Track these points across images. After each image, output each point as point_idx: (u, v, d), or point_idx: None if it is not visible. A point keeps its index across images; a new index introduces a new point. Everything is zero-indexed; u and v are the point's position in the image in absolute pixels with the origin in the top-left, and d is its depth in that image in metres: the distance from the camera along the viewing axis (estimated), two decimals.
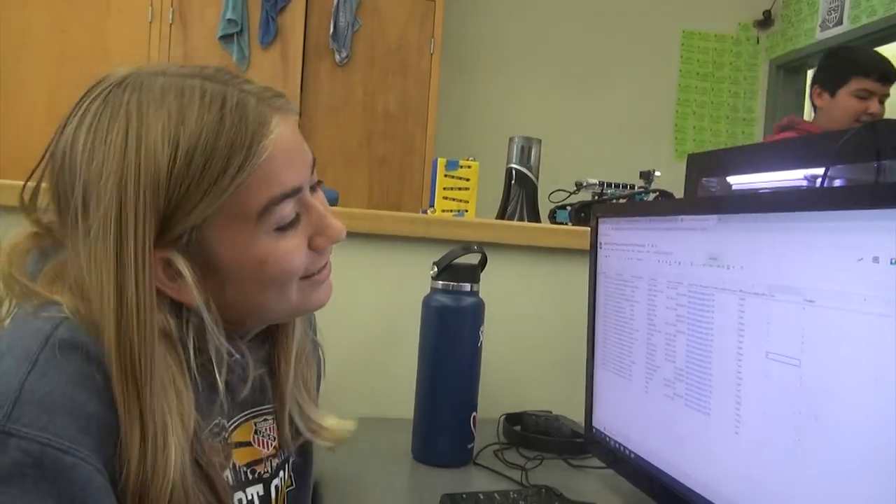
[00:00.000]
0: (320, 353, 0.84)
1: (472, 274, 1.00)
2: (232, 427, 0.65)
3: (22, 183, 0.58)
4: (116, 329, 0.51)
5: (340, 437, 0.75)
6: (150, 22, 2.85)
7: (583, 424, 0.99)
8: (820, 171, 0.72)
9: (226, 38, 2.88)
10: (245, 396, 0.65)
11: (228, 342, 0.59)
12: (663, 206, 0.82)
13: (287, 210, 0.57)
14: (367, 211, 1.25)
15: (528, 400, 1.25)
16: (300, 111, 2.91)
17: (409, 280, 1.20)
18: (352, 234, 1.21)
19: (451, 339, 0.98)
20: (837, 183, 0.73)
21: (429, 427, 0.99)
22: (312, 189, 0.62)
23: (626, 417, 0.87)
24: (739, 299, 0.65)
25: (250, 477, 0.66)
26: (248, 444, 0.67)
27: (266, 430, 0.69)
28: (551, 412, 1.18)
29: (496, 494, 0.83)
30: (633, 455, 0.84)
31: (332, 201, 1.28)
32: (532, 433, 1.10)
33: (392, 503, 0.85)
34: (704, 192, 0.95)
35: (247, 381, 0.63)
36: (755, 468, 0.62)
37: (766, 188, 0.83)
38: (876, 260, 0.50)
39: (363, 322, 1.24)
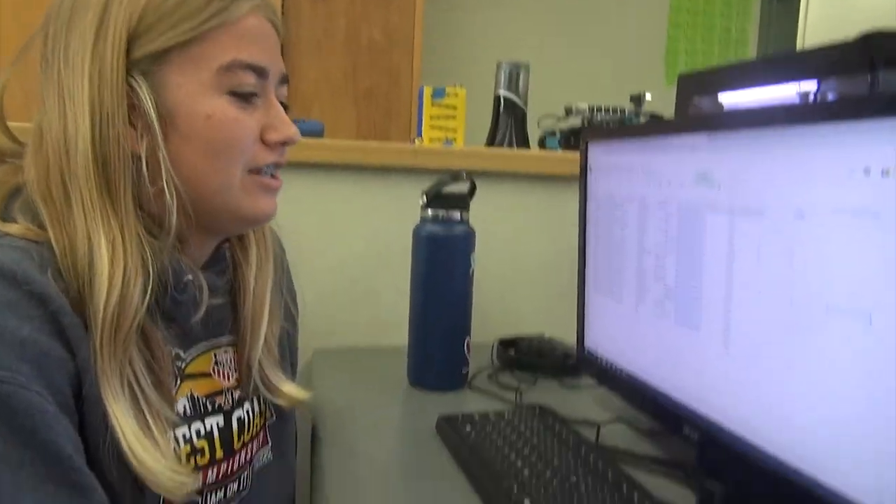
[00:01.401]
0: (293, 308, 0.83)
1: (462, 202, 1.00)
2: (189, 358, 0.65)
3: None
4: (91, 142, 0.54)
5: (295, 403, 0.76)
6: None
7: (574, 346, 1.01)
8: (813, 85, 0.71)
9: None
10: (203, 326, 0.65)
11: (179, 264, 0.61)
12: (653, 126, 0.81)
13: (247, 80, 0.60)
14: (353, 142, 1.23)
15: (522, 325, 1.27)
16: (282, 45, 2.84)
17: (399, 211, 1.20)
18: (340, 167, 1.21)
19: (442, 267, 0.99)
20: (830, 96, 0.72)
21: (423, 353, 1.01)
22: (277, 99, 0.64)
23: (617, 337, 0.88)
24: (729, 218, 0.65)
25: (210, 408, 0.66)
26: (208, 374, 0.67)
27: (226, 361, 0.69)
28: (544, 335, 1.20)
29: (491, 414, 0.85)
30: (624, 373, 0.86)
31: (318, 133, 1.27)
32: (525, 356, 1.12)
33: (389, 427, 0.87)
34: (696, 112, 0.94)
35: (201, 305, 0.63)
36: (744, 381, 0.64)
37: (759, 105, 0.82)
38: (867, 172, 0.50)
39: (355, 254, 1.24)
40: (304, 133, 1.22)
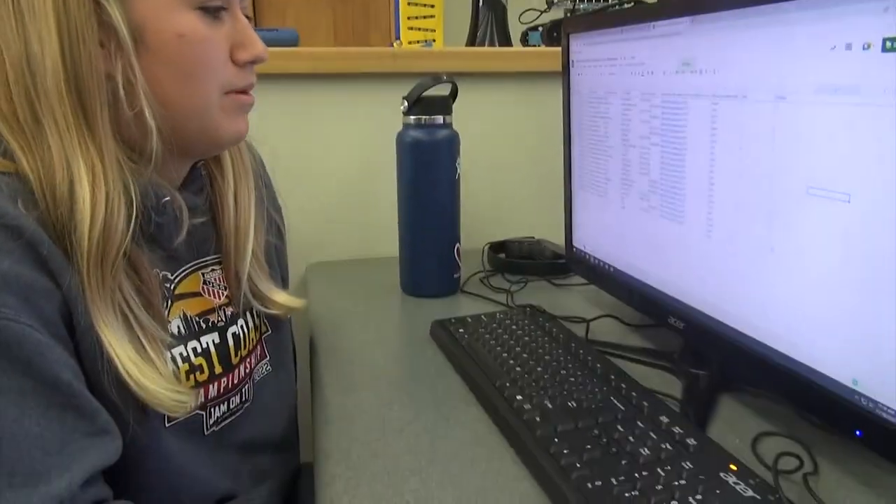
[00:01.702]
0: (279, 221, 0.83)
1: (444, 106, 0.98)
2: (177, 279, 0.65)
3: None
4: (63, 62, 0.51)
5: (289, 311, 0.77)
6: None
7: (564, 247, 1.01)
8: None
9: None
10: (187, 246, 0.65)
11: (157, 187, 0.60)
12: (634, 12, 0.78)
13: None
14: (329, 49, 1.19)
15: (511, 228, 1.28)
16: None
17: (382, 118, 1.17)
18: (317, 76, 1.18)
19: (428, 173, 0.98)
20: None
21: (415, 261, 1.02)
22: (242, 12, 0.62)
23: (604, 234, 0.89)
24: (712, 104, 0.64)
25: (203, 326, 0.67)
26: (198, 294, 0.68)
27: (215, 280, 0.70)
28: (534, 237, 1.20)
29: (483, 316, 0.86)
30: (612, 269, 0.87)
31: (292, 42, 1.22)
32: (515, 258, 1.13)
33: (385, 333, 0.89)
34: None
35: (182, 225, 0.62)
36: (726, 268, 0.64)
37: None
38: (849, 47, 0.48)
39: (339, 165, 1.23)
40: (278, 42, 1.18)
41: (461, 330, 0.82)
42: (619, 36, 0.79)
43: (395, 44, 1.33)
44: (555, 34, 1.29)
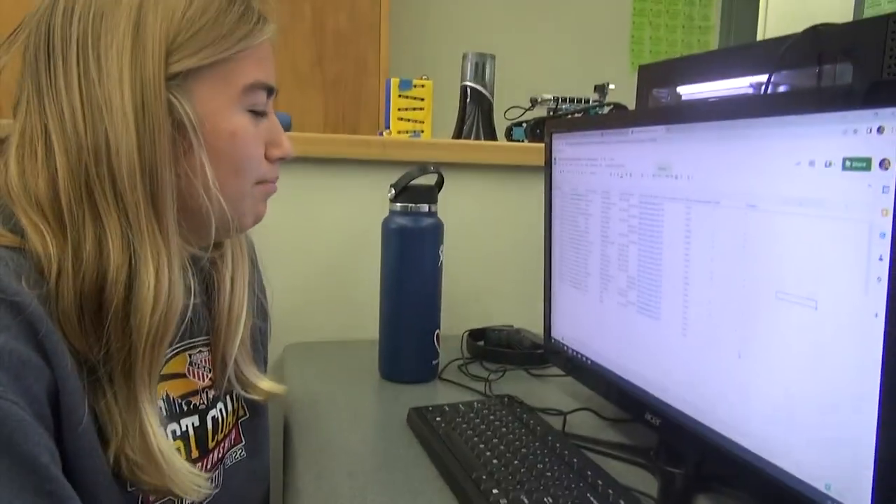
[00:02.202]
0: (264, 303, 0.83)
1: (430, 195, 1.01)
2: (165, 359, 0.65)
3: None
4: (139, 153, 0.54)
5: (269, 397, 0.77)
6: None
7: (543, 336, 1.02)
8: (764, 78, 0.73)
9: None
10: (178, 327, 0.65)
11: None
12: (613, 118, 0.82)
13: (263, 99, 0.63)
14: (321, 135, 1.23)
15: (491, 316, 1.29)
16: None
17: (368, 203, 1.20)
18: (308, 160, 1.21)
19: (411, 260, 0.99)
20: (782, 89, 0.74)
21: (394, 346, 1.02)
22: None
23: (582, 327, 0.90)
24: (686, 207, 0.67)
25: (185, 408, 0.66)
26: (183, 375, 0.67)
27: (201, 361, 0.70)
28: (513, 326, 1.22)
29: (461, 405, 0.86)
30: (589, 361, 0.88)
31: (285, 126, 1.26)
32: (494, 347, 1.14)
33: (361, 419, 0.88)
34: (655, 103, 0.96)
35: (185, 310, 0.62)
36: (701, 367, 0.66)
37: (714, 97, 0.84)
38: (812, 164, 0.52)
39: (324, 247, 1.24)
40: None
41: (438, 419, 0.82)
42: (600, 138, 0.83)
43: (384, 133, 1.37)
44: (538, 131, 1.35)
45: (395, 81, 1.35)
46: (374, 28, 2.99)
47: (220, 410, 0.71)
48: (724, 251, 0.62)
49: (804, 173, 0.53)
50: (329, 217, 1.24)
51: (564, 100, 1.40)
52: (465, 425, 0.79)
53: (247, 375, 0.74)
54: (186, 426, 0.66)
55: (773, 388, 0.57)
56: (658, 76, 0.98)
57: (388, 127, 1.37)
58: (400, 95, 1.34)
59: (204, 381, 0.69)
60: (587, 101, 1.40)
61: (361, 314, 1.23)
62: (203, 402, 0.69)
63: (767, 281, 0.57)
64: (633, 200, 0.76)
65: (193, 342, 0.69)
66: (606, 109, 1.38)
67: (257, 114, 0.63)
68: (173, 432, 0.64)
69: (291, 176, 1.21)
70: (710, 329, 0.64)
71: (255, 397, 0.75)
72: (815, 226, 0.52)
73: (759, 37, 3.84)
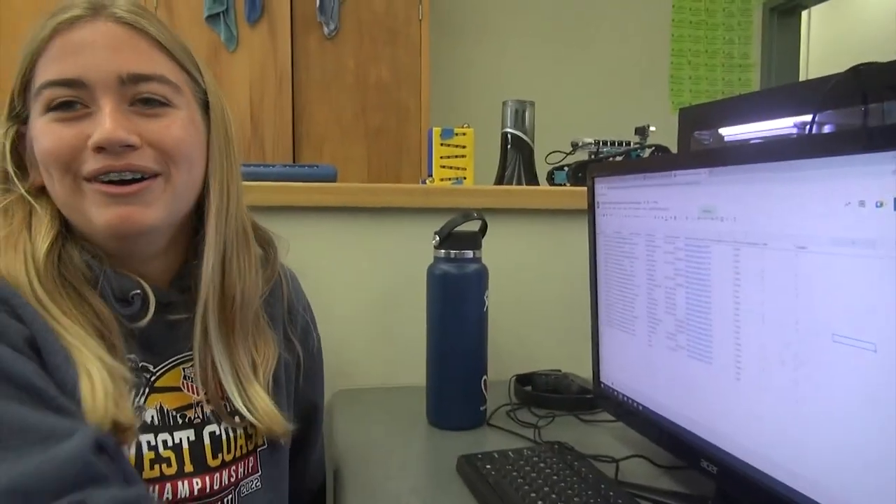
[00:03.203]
0: (298, 350, 0.85)
1: (474, 241, 1.02)
2: (158, 371, 0.69)
3: None
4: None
5: (274, 428, 0.75)
6: None
7: (591, 381, 1.01)
8: (808, 117, 0.73)
9: (212, 19, 2.85)
10: (170, 341, 0.70)
11: (118, 274, 0.67)
12: (655, 162, 0.82)
13: (55, 94, 0.63)
14: (364, 185, 1.26)
15: (538, 360, 1.28)
16: (292, 87, 2.91)
17: (413, 250, 1.22)
18: (352, 209, 1.24)
19: (457, 306, 1.00)
20: (827, 129, 0.73)
21: (441, 393, 1.02)
22: (143, 105, 0.66)
23: (632, 371, 0.89)
24: (734, 250, 0.66)
25: (179, 421, 0.69)
26: (178, 388, 0.70)
27: (195, 374, 0.71)
28: (560, 371, 1.20)
29: (510, 453, 0.85)
30: (640, 407, 0.87)
31: (331, 178, 1.30)
32: (542, 392, 1.13)
33: (411, 467, 0.88)
34: (697, 145, 0.96)
35: (143, 317, 0.67)
36: (757, 412, 0.64)
37: (757, 138, 0.84)
38: (862, 204, 0.51)
39: (371, 295, 1.26)
40: (318, 178, 1.26)
41: (488, 466, 0.81)
42: (642, 181, 0.84)
43: (427, 180, 1.40)
44: (580, 175, 1.35)
45: (437, 130, 1.38)
46: (415, 78, 3.08)
47: (225, 430, 0.72)
48: (775, 293, 0.61)
49: (854, 214, 0.52)
50: (375, 265, 1.26)
51: (605, 143, 1.41)
52: (515, 473, 0.79)
53: (249, 397, 0.72)
54: (180, 439, 0.68)
55: (832, 434, 0.55)
56: (699, 118, 0.98)
57: (430, 174, 1.39)
58: (442, 144, 1.37)
59: (199, 394, 0.71)
60: (628, 144, 1.41)
61: (408, 360, 1.24)
62: (198, 417, 0.71)
63: (822, 323, 0.56)
64: (679, 243, 0.76)
65: (187, 356, 0.71)
66: (647, 151, 1.38)
67: (58, 108, 0.63)
68: (164, 442, 0.67)
69: (338, 225, 1.24)
70: (765, 373, 0.63)
71: (260, 424, 0.73)
72: (868, 267, 0.51)
73: (802, 72, 3.81)
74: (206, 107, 0.71)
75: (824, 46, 4.29)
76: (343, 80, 3.03)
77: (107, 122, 0.62)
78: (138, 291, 0.67)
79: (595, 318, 0.98)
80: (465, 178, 1.37)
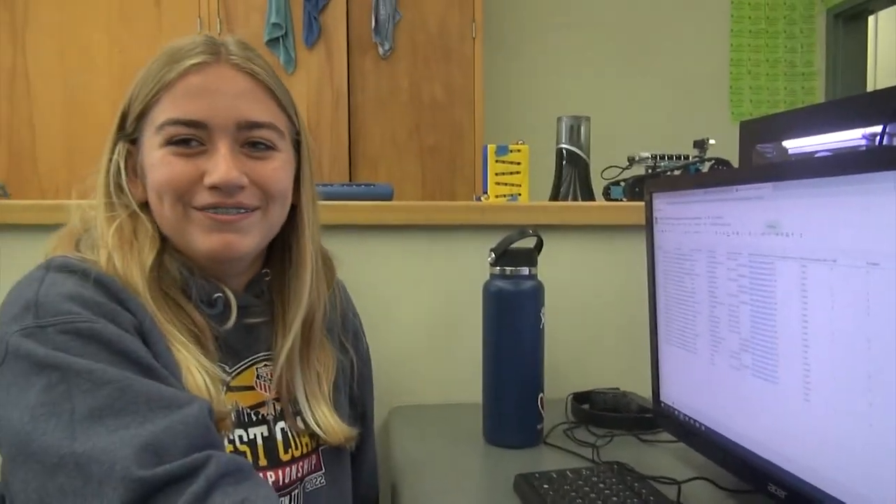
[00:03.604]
0: (352, 354, 0.90)
1: (530, 258, 1.02)
2: (234, 372, 0.74)
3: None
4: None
5: (338, 438, 0.81)
6: (199, 33, 2.93)
7: (650, 400, 0.99)
8: (878, 129, 0.70)
9: (272, 42, 2.94)
10: (245, 343, 0.76)
11: (205, 279, 0.73)
12: (716, 177, 0.81)
13: (178, 132, 0.69)
14: (420, 203, 1.28)
15: (595, 378, 1.26)
16: (349, 107, 2.97)
17: (469, 267, 1.22)
18: (409, 227, 1.25)
19: (512, 323, 1.00)
20: None
21: (497, 410, 1.02)
22: (251, 147, 0.72)
23: (693, 390, 0.87)
24: (801, 266, 0.64)
25: (254, 418, 0.74)
26: (251, 388, 0.75)
27: (267, 374, 0.77)
28: (619, 389, 1.18)
29: (569, 472, 0.84)
30: (703, 427, 0.84)
31: (388, 196, 1.32)
32: (600, 411, 1.11)
33: (467, 485, 0.87)
34: (760, 158, 0.94)
35: (228, 319, 0.72)
36: (828, 434, 0.62)
37: (823, 150, 0.81)
38: None
39: (427, 312, 1.27)
40: (375, 196, 1.28)
41: (546, 486, 0.80)
42: (703, 196, 0.82)
43: (482, 197, 1.41)
44: (636, 190, 1.34)
45: (491, 147, 1.39)
46: (469, 96, 3.10)
47: (290, 427, 0.77)
48: (846, 311, 0.59)
49: None
50: (431, 282, 1.27)
51: (663, 157, 1.39)
52: (573, 493, 0.77)
53: (315, 411, 0.79)
54: (255, 434, 0.73)
55: None
56: (762, 131, 0.95)
57: (485, 191, 1.40)
58: (497, 160, 1.38)
59: (271, 393, 0.77)
60: (686, 158, 1.38)
61: (465, 378, 1.24)
62: (271, 413, 0.76)
63: None
64: (742, 259, 0.74)
65: (258, 357, 0.77)
66: (707, 165, 1.36)
67: (178, 143, 0.69)
68: (240, 437, 0.72)
69: (394, 243, 1.26)
70: (836, 394, 0.60)
71: (325, 436, 0.79)
72: None
73: (870, 80, 3.66)
74: (297, 144, 0.79)
75: (894, 52, 4.12)
76: (398, 99, 3.08)
77: (223, 165, 0.69)
78: (220, 295, 0.73)
79: (654, 335, 0.96)
80: (520, 195, 1.37)
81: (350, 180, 2.98)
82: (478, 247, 1.17)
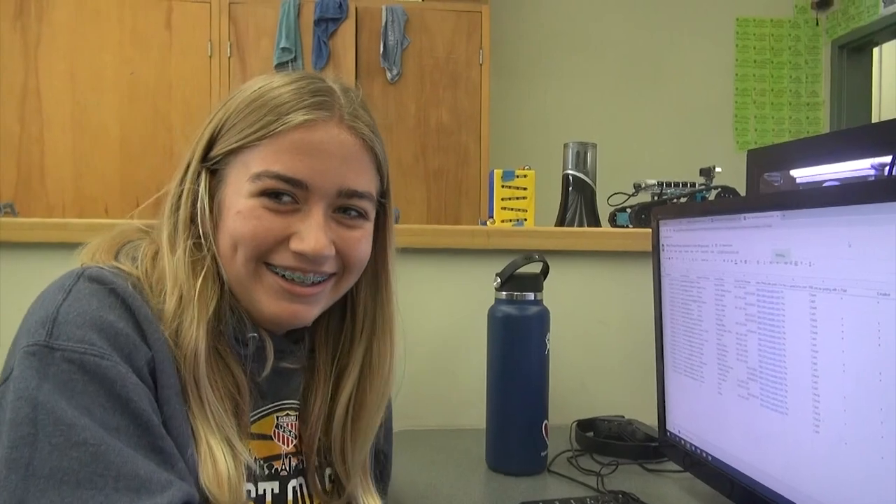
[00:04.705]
0: (381, 447, 0.86)
1: (535, 283, 1.01)
2: (254, 417, 0.68)
3: (108, 220, 0.68)
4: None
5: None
6: (210, 57, 2.97)
7: (656, 428, 0.98)
8: (887, 159, 0.70)
9: (281, 66, 2.98)
10: (271, 386, 0.69)
11: (241, 317, 0.66)
12: (724, 205, 0.81)
13: (276, 186, 0.64)
14: (427, 226, 1.28)
15: (600, 405, 1.25)
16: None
17: (474, 292, 1.22)
18: (414, 250, 1.25)
19: (518, 348, 0.99)
20: None
21: (501, 436, 1.01)
22: (342, 213, 0.67)
23: (700, 420, 0.86)
24: (810, 296, 0.64)
25: (266, 472, 0.67)
26: (269, 437, 0.69)
27: (287, 425, 0.71)
28: (623, 417, 1.17)
29: (573, 501, 0.83)
30: (709, 457, 0.83)
31: (394, 219, 1.32)
32: (605, 439, 1.10)
33: None
34: (767, 187, 0.94)
35: (265, 363, 0.67)
36: (838, 466, 0.61)
37: (831, 180, 0.82)
38: None
39: (431, 335, 1.26)
40: None
41: None
42: (710, 224, 0.82)
43: (488, 222, 1.41)
44: (642, 216, 1.34)
45: (498, 172, 1.39)
46: (475, 121, 3.12)
47: (302, 485, 0.71)
48: (856, 342, 0.58)
49: None
50: (436, 306, 1.26)
51: (669, 184, 1.39)
52: None
53: (349, 467, 0.73)
54: (265, 490, 0.67)
55: None
56: (769, 159, 0.95)
57: (491, 216, 1.40)
58: (503, 185, 1.38)
59: (288, 446, 0.71)
60: (692, 185, 1.39)
61: (469, 403, 1.23)
62: (285, 469, 0.69)
63: None
64: (750, 288, 0.74)
65: (282, 404, 0.71)
66: (713, 193, 1.36)
67: (273, 197, 0.64)
68: (248, 492, 0.65)
69: (399, 266, 1.25)
70: (847, 426, 0.60)
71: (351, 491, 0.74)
72: None
73: (874, 111, 3.68)
74: (381, 205, 0.74)
75: None
76: (405, 124, 3.10)
77: (315, 234, 0.64)
78: (255, 335, 0.67)
79: (660, 363, 0.95)
80: (526, 220, 1.37)
81: None
82: (483, 271, 1.16)
